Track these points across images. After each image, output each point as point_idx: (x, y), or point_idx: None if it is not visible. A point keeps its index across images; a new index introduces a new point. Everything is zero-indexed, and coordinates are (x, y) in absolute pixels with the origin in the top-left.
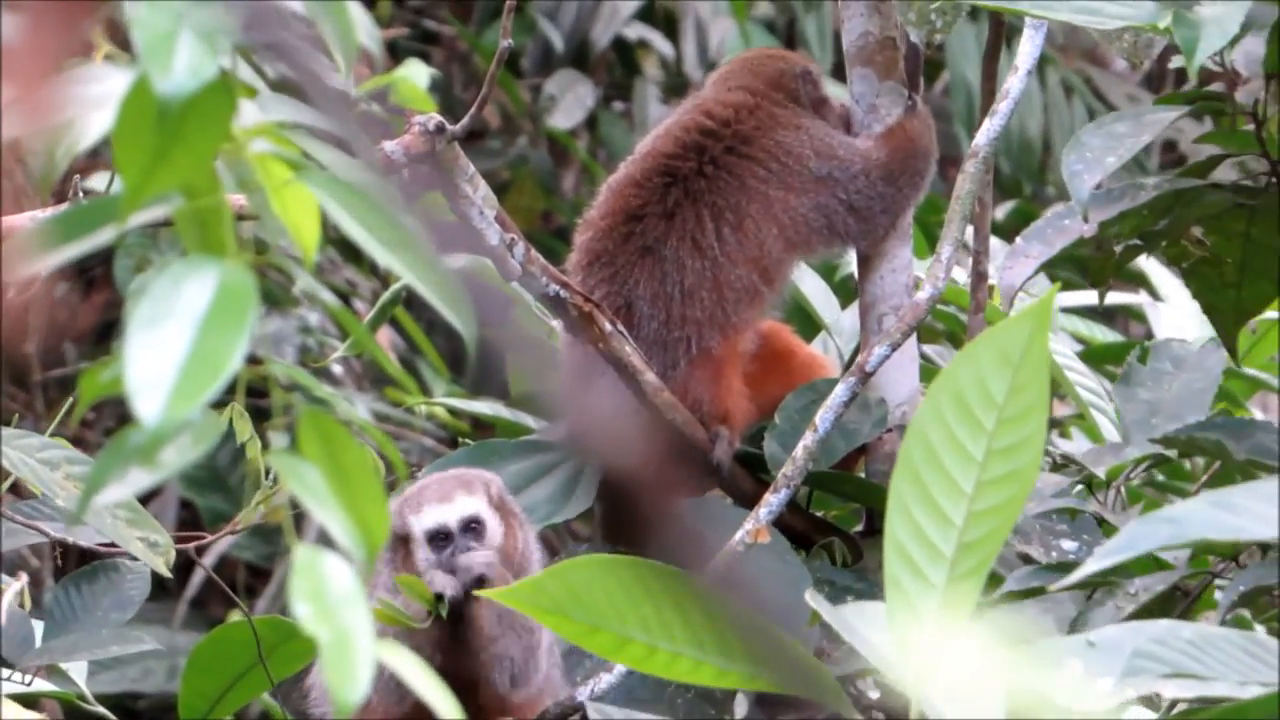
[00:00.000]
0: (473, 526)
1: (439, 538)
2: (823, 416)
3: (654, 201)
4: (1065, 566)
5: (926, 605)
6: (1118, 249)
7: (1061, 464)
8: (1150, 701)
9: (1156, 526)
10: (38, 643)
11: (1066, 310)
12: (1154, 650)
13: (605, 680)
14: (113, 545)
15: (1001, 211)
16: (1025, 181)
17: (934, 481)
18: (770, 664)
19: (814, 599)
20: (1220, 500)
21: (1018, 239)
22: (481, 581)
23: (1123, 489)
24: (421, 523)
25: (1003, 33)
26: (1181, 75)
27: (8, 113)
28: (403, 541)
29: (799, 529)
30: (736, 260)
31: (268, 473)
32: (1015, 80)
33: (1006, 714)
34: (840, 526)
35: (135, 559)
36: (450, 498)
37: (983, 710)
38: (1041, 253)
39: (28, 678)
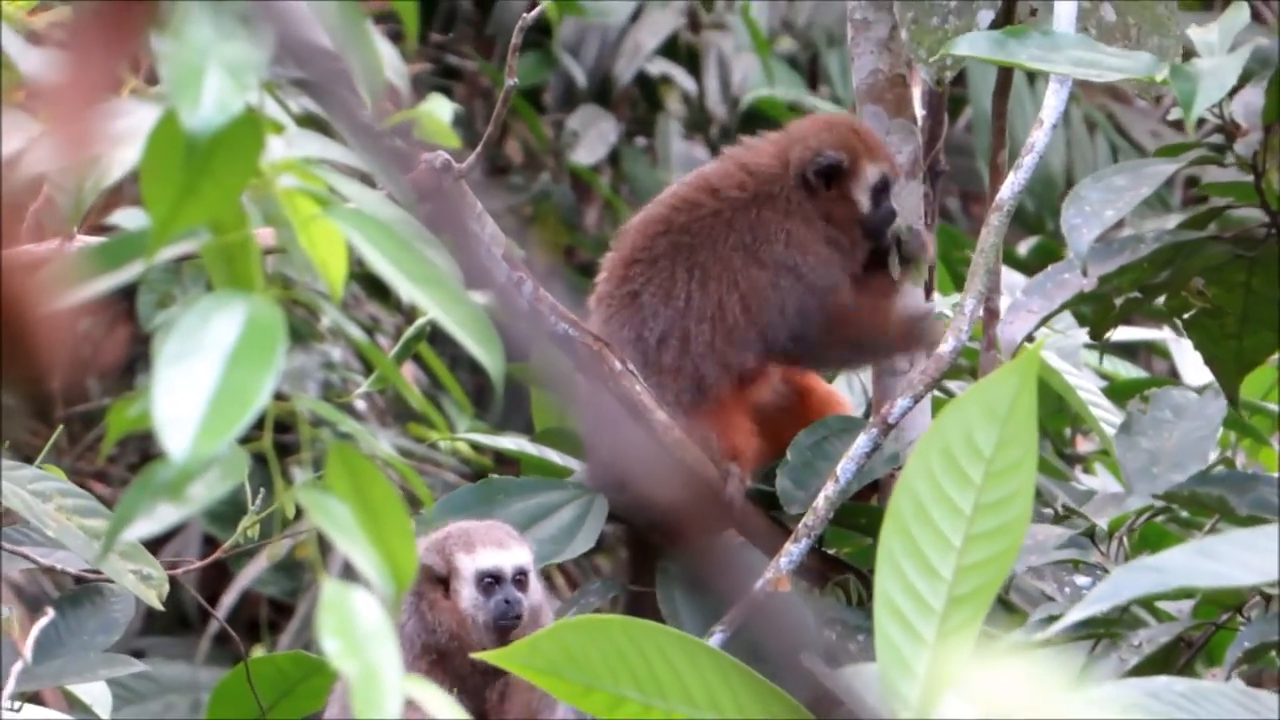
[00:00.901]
0: (520, 577)
1: (490, 581)
2: (844, 467)
3: (646, 248)
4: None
5: (918, 661)
6: (1118, 301)
7: (1064, 515)
8: None
9: (1140, 575)
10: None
11: (1089, 346)
12: (1148, 705)
13: None
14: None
15: (1024, 247)
16: (1048, 218)
17: (923, 536)
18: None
19: (810, 660)
20: (1204, 549)
21: (1018, 293)
22: None
23: (1125, 539)
24: (476, 563)
25: (1012, 71)
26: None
27: (39, 147)
28: (439, 582)
29: (814, 567)
30: (700, 317)
31: (254, 498)
32: (1040, 134)
33: None
34: (854, 564)
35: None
36: (505, 545)
37: None
38: (1042, 307)
39: (16, 704)
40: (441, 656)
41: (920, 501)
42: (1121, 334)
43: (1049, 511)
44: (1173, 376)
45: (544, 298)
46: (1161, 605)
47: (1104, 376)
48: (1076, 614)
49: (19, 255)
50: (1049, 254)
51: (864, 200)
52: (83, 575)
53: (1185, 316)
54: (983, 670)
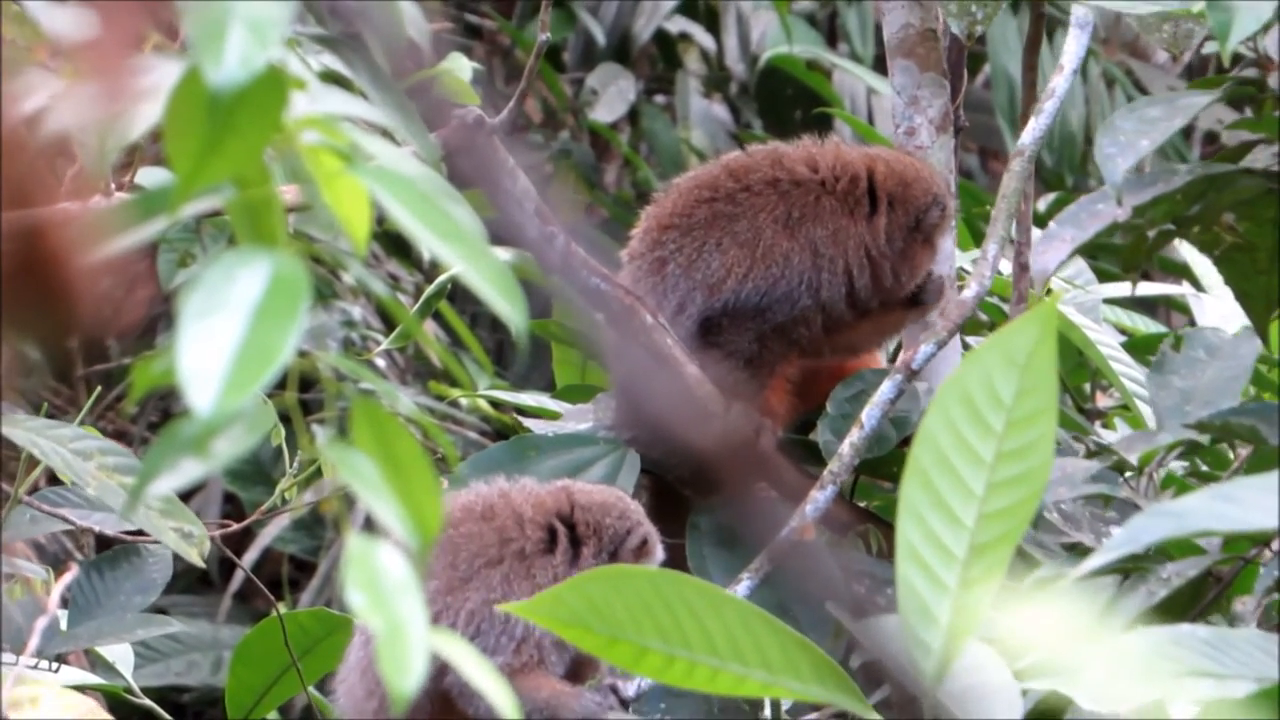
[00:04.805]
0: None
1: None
2: (869, 413)
3: (685, 214)
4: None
5: (940, 609)
6: (1150, 234)
7: (1095, 451)
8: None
9: (1159, 520)
10: (64, 629)
11: (1109, 301)
12: (1170, 651)
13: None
14: (137, 532)
15: (1044, 203)
16: (1067, 173)
17: (944, 484)
18: (788, 669)
19: (836, 609)
20: (1222, 493)
21: (1051, 223)
22: None
23: (1155, 475)
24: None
25: (1043, 24)
26: (1222, 65)
27: (64, 103)
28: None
29: (842, 519)
30: (705, 283)
31: (293, 461)
32: (1061, 79)
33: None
34: (883, 516)
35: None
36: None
37: (999, 715)
38: (1075, 236)
39: (54, 665)
40: None
41: (941, 450)
42: (1140, 289)
43: (1080, 447)
44: None
45: (575, 252)
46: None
47: (1123, 331)
48: (1096, 560)
49: (56, 214)
50: None
51: (942, 247)
52: (120, 537)
53: (1217, 252)
54: (1007, 615)
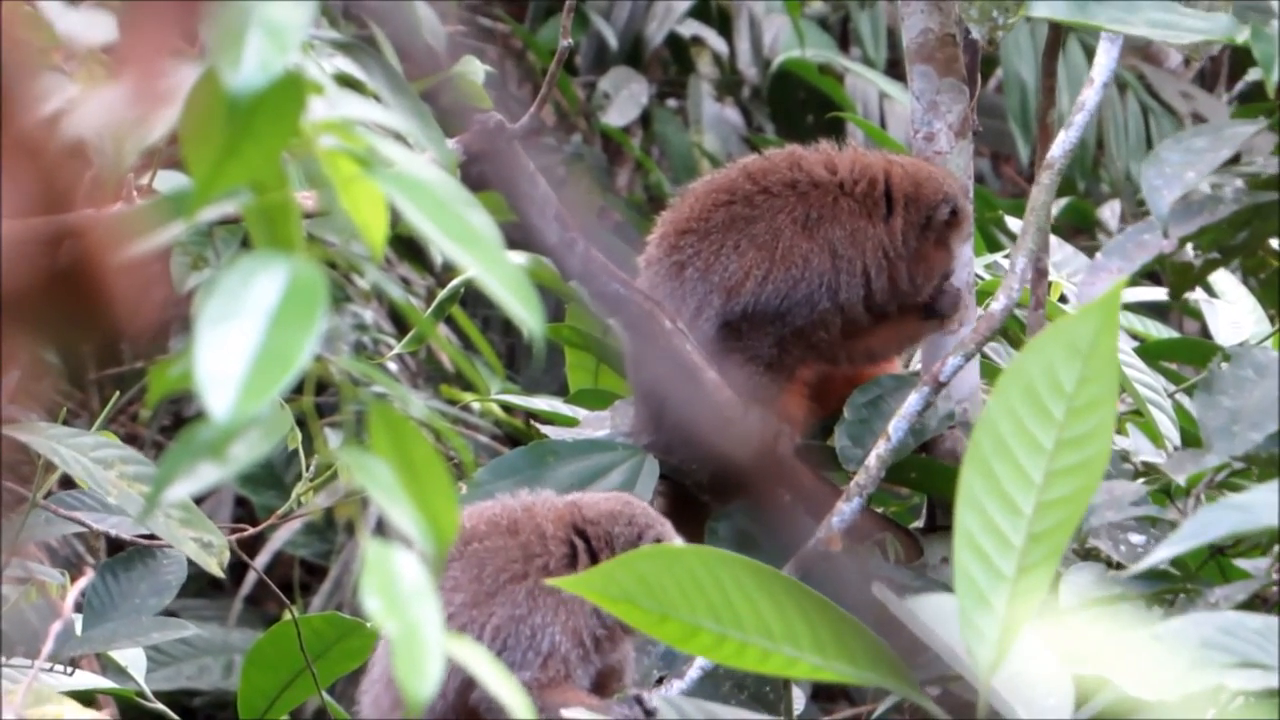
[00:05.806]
0: None
1: None
2: (896, 425)
3: (702, 218)
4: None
5: (996, 596)
6: (1197, 261)
7: (1143, 471)
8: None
9: (1225, 514)
10: (78, 632)
11: (1121, 306)
12: (1221, 640)
13: (676, 686)
14: (151, 535)
15: (1055, 208)
16: (1079, 178)
17: (1003, 472)
18: (842, 654)
19: (880, 592)
20: None
21: (1098, 254)
22: None
23: (1202, 496)
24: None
25: (1061, 30)
26: (1235, 74)
27: (80, 106)
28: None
29: (860, 527)
30: (724, 286)
31: (309, 465)
32: (1091, 93)
33: (1075, 707)
34: (900, 523)
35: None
36: None
37: (1051, 706)
38: (1122, 268)
39: (69, 669)
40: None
41: (1001, 437)
42: (1152, 294)
43: (1129, 467)
44: (1205, 337)
45: (595, 257)
46: (1238, 563)
47: (1135, 336)
48: (1163, 553)
49: (81, 219)
50: (1080, 214)
51: (958, 252)
52: (134, 540)
53: (1262, 276)
54: (1059, 611)
